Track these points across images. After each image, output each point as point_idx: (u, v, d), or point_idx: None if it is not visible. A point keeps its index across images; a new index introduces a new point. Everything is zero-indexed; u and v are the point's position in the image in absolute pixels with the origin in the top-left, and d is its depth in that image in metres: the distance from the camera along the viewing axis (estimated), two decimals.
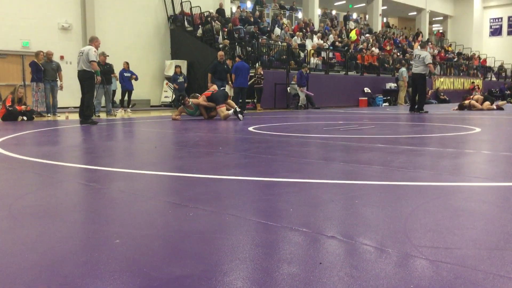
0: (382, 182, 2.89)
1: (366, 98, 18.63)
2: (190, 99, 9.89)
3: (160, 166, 3.77)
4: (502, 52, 32.62)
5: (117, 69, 13.16)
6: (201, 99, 9.79)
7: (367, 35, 23.70)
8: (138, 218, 2.13)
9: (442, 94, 23.11)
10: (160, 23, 17.98)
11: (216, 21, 17.33)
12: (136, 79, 13.41)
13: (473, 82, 25.78)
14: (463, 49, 31.93)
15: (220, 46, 15.61)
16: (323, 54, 18.47)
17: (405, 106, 17.13)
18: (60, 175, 3.34)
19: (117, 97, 14.17)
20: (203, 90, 11.20)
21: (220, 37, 16.69)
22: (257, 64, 15.41)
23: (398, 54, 23.65)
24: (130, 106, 13.76)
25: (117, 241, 1.76)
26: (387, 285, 1.34)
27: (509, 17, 33.82)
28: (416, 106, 12.42)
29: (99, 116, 11.24)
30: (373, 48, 21.59)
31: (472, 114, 11.56)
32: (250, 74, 13.65)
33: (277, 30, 19.06)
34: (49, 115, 11.40)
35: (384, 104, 19.06)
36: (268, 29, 19.10)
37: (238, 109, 9.53)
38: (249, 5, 23.61)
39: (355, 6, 29.49)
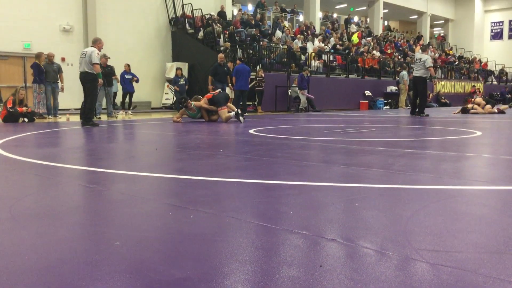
0: (383, 185, 2.88)
1: (367, 101, 18.63)
2: (192, 102, 9.92)
3: (161, 168, 3.77)
4: (503, 55, 32.66)
5: (118, 71, 13.18)
6: (203, 102, 9.81)
7: (368, 38, 23.72)
8: (139, 220, 2.13)
9: (443, 97, 23.13)
10: (162, 25, 18.02)
11: (217, 24, 17.36)
12: (137, 81, 13.43)
13: (474, 86, 25.79)
14: (464, 52, 31.95)
15: (221, 48, 15.64)
16: (324, 57, 18.50)
17: (406, 109, 17.14)
18: (61, 177, 3.35)
19: (118, 99, 14.18)
20: (204, 93, 11.22)
21: (221, 39, 16.71)
22: (258, 67, 15.42)
23: (399, 57, 23.68)
24: (131, 108, 13.77)
25: (117, 243, 1.76)
26: None
27: (510, 21, 33.87)
28: (417, 110, 12.42)
29: (100, 118, 11.24)
30: (374, 51, 21.62)
31: (473, 118, 11.56)
32: (251, 77, 13.67)
33: (278, 33, 19.08)
34: (50, 116, 11.42)
35: (385, 107, 19.07)
36: (269, 31, 19.13)
37: (239, 112, 9.55)
38: (250, 7, 23.66)
39: (356, 9, 29.55)
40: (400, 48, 25.59)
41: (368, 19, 28.58)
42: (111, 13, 16.17)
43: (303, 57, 18.00)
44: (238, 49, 16.12)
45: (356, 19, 29.04)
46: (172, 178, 3.23)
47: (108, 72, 11.99)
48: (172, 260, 1.58)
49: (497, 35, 34.62)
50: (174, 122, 9.56)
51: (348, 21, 25.90)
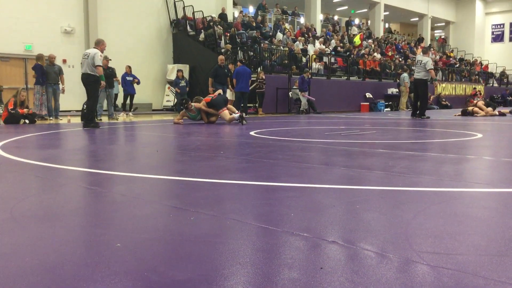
0: (383, 187, 2.88)
1: (368, 103, 18.63)
2: (193, 103, 9.94)
3: (162, 170, 3.77)
4: (504, 58, 32.65)
5: (119, 73, 13.19)
6: (202, 105, 9.83)
7: (369, 40, 23.74)
8: (139, 221, 2.13)
9: (443, 99, 23.13)
10: (163, 27, 18.05)
11: (218, 26, 17.38)
12: (138, 83, 13.45)
13: (474, 88, 25.79)
14: (465, 55, 31.96)
15: (222, 50, 15.66)
16: (325, 59, 18.50)
17: (406, 112, 17.14)
18: (62, 179, 3.35)
19: (119, 100, 14.19)
20: (205, 95, 11.23)
21: (222, 41, 16.73)
22: (259, 69, 15.43)
23: (400, 59, 23.68)
24: (132, 110, 13.79)
25: (118, 245, 1.76)
26: None
27: (511, 23, 33.88)
28: (417, 112, 12.42)
29: (101, 119, 11.26)
30: (375, 54, 21.62)
31: (473, 120, 11.55)
32: (252, 79, 13.67)
33: (279, 35, 19.10)
34: (51, 118, 11.43)
35: (386, 109, 19.07)
36: (270, 34, 19.16)
37: (244, 115, 9.55)
38: (251, 10, 23.70)
39: (357, 12, 29.57)
40: (401, 50, 25.60)
41: (369, 21, 28.62)
42: (112, 14, 16.20)
43: (304, 59, 18.02)
44: (239, 51, 16.14)
45: (357, 21, 29.08)
46: (173, 180, 3.23)
47: (109, 73, 12.00)
48: (173, 262, 1.58)
49: (498, 38, 34.64)
50: (175, 124, 9.58)
51: (349, 23, 25.92)
